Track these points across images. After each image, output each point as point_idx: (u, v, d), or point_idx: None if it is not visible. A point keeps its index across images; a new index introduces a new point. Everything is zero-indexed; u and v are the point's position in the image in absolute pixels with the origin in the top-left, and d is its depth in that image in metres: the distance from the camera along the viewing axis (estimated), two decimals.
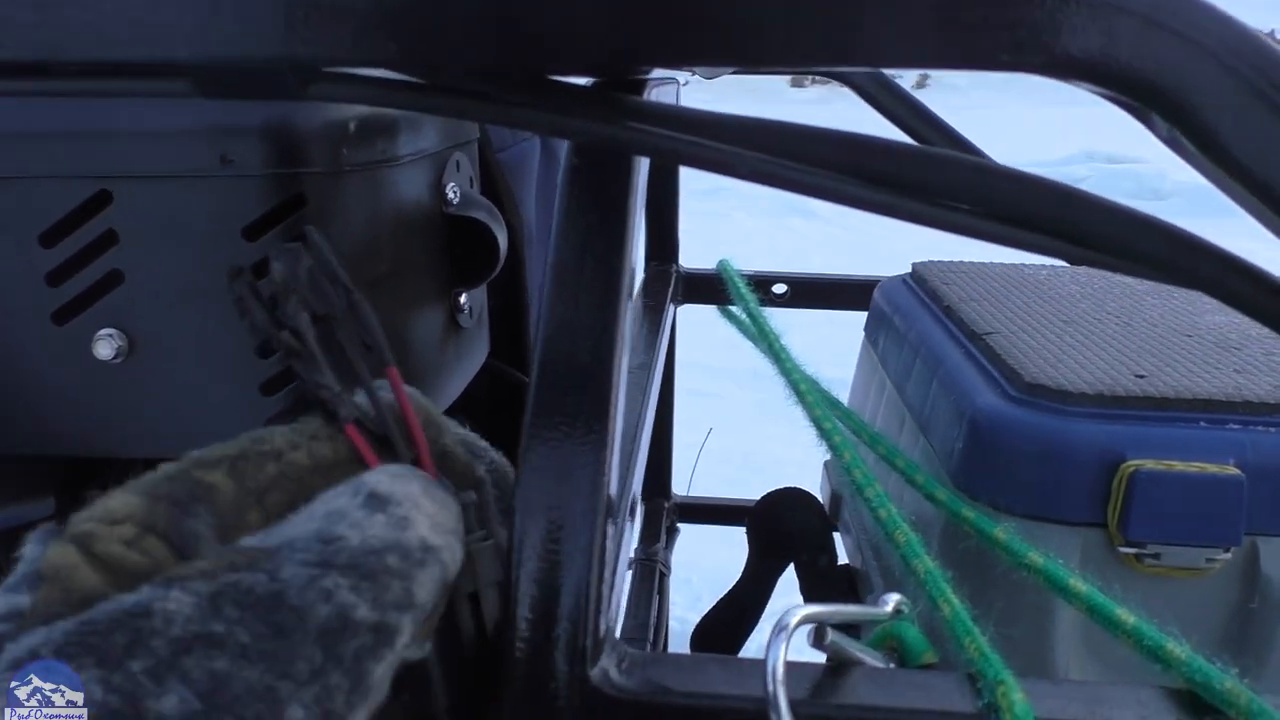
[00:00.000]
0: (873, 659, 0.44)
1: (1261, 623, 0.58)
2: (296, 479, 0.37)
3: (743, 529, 1.08)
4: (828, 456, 0.97)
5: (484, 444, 0.48)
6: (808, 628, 0.41)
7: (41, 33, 0.37)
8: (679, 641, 1.56)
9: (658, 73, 0.62)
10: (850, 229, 5.43)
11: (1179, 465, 0.56)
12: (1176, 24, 0.33)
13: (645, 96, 0.47)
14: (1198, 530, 0.57)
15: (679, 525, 1.38)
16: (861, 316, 1.07)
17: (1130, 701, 0.41)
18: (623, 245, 0.48)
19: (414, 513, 0.34)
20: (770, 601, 1.01)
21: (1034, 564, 0.51)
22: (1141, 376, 0.62)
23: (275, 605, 0.28)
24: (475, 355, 0.84)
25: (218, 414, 0.64)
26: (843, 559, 0.92)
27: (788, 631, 0.40)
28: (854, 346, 1.07)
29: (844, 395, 0.98)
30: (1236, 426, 0.59)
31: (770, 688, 0.39)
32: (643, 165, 0.51)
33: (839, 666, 0.42)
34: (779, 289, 1.25)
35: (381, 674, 0.30)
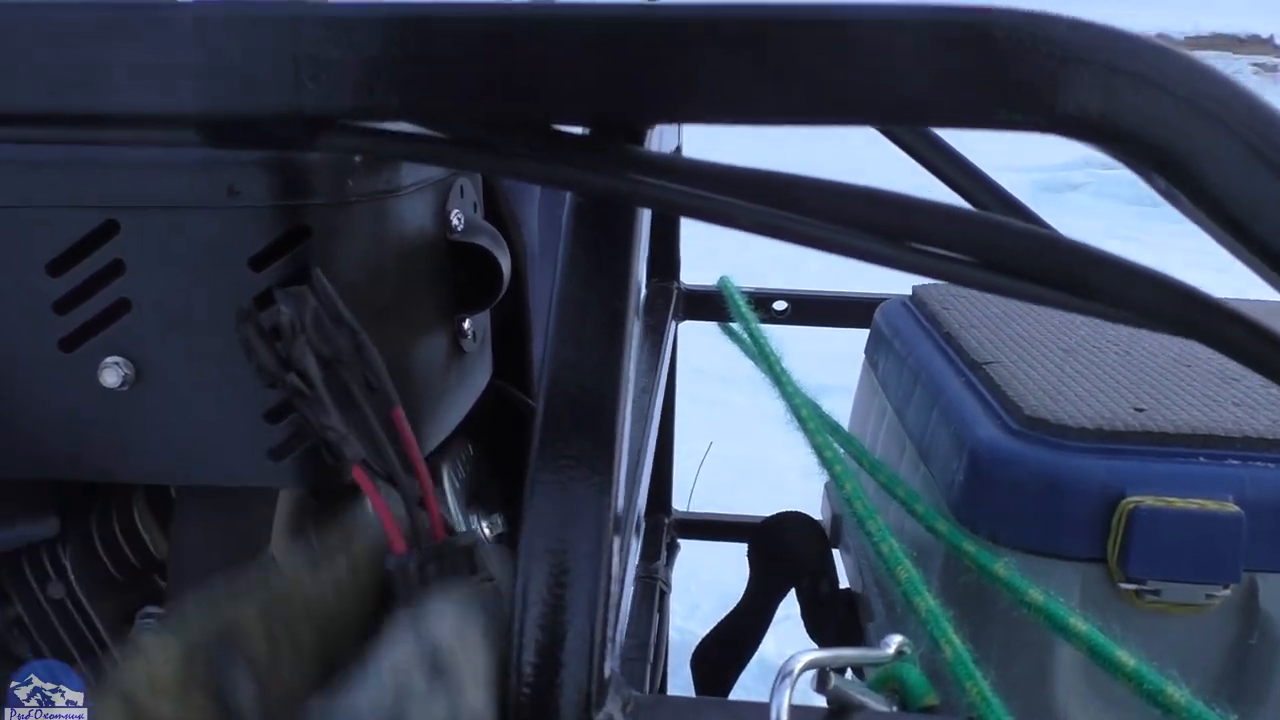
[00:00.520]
0: (875, 701, 0.44)
1: (1260, 659, 0.58)
2: (323, 612, 0.38)
3: (741, 542, 1.08)
4: (828, 478, 0.97)
5: None
6: (811, 672, 0.42)
7: (51, 83, 0.37)
8: (676, 651, 1.57)
9: None
10: None
11: (1178, 502, 0.57)
12: (1175, 85, 0.33)
13: (646, 144, 0.47)
14: (1198, 567, 0.57)
15: (679, 541, 1.38)
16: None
17: None
18: (626, 286, 0.48)
19: (465, 674, 0.35)
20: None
21: (1034, 602, 0.51)
22: (1141, 410, 0.63)
23: None
24: (478, 379, 0.84)
25: (222, 441, 0.64)
26: (843, 581, 0.92)
27: (792, 677, 0.40)
28: (851, 351, 1.08)
29: (839, 404, 0.98)
30: (1236, 462, 0.59)
31: None
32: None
33: (842, 710, 0.43)
34: (780, 306, 1.25)
35: None
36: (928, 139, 0.72)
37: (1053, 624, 0.49)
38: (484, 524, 0.92)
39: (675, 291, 1.25)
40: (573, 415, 0.45)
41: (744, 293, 1.20)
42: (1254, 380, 0.69)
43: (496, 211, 0.95)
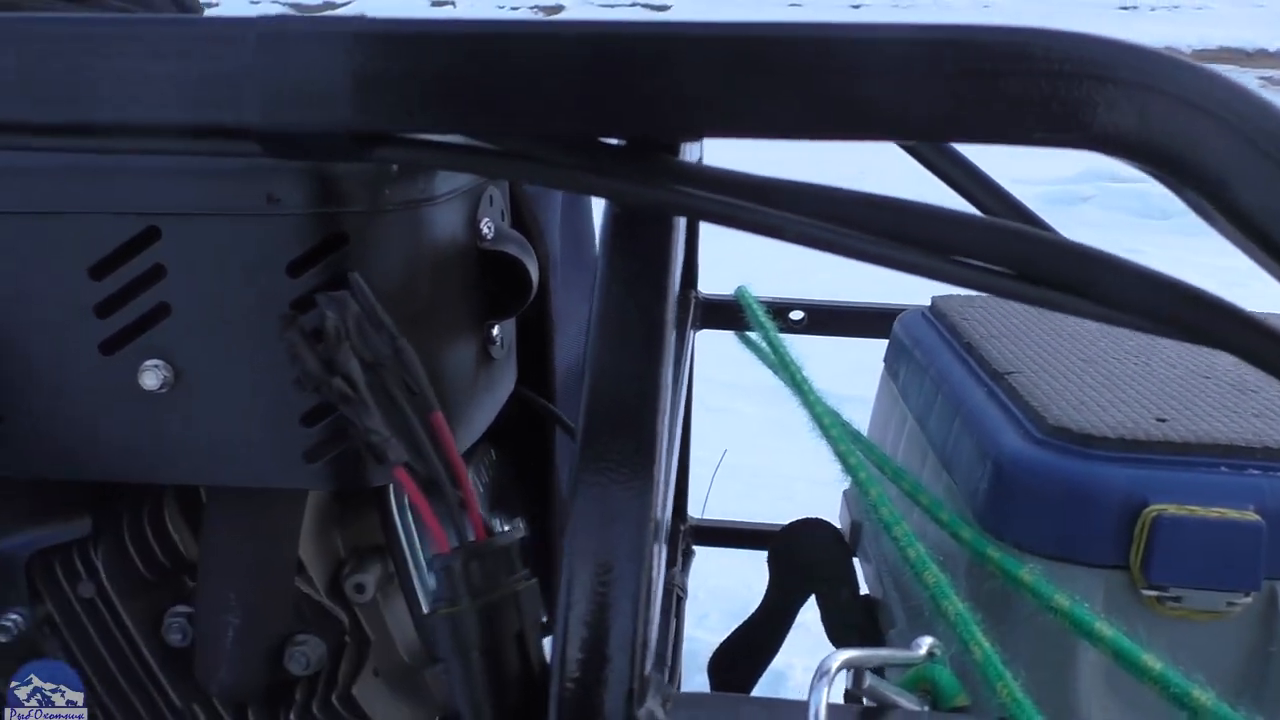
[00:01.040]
0: (907, 701, 0.45)
1: None
2: None
3: (755, 549, 1.09)
4: (846, 485, 0.98)
5: None
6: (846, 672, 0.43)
7: (125, 97, 0.39)
8: (685, 659, 1.58)
9: None
10: None
11: (1200, 510, 0.58)
12: (1206, 103, 0.34)
13: (681, 155, 0.48)
14: (1219, 575, 0.58)
15: (694, 548, 1.39)
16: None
17: None
18: (665, 294, 0.49)
19: None
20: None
21: (1060, 606, 0.52)
22: (1163, 420, 0.64)
23: None
24: (505, 384, 0.86)
25: (259, 444, 0.66)
26: (863, 588, 0.93)
27: (829, 675, 0.41)
28: (865, 361, 1.09)
29: (855, 413, 0.99)
30: (1257, 472, 0.60)
31: None
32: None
33: (876, 709, 0.44)
34: (796, 315, 1.26)
35: None
36: (946, 152, 0.73)
37: (1079, 628, 0.50)
38: (506, 527, 0.93)
39: (693, 300, 1.27)
40: (614, 420, 0.47)
41: (761, 302, 1.21)
42: (1273, 391, 0.70)
43: (521, 219, 0.97)
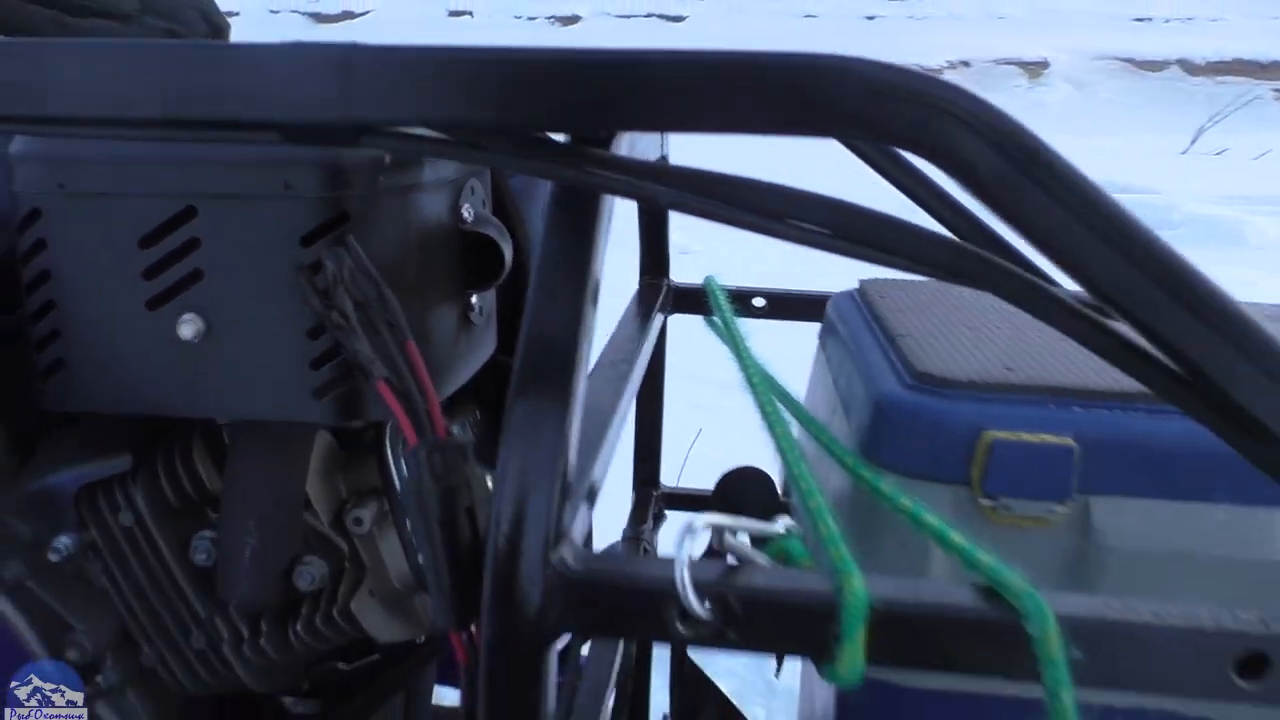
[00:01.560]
0: (763, 561, 0.59)
1: (1094, 564, 0.73)
2: None
3: None
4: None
5: None
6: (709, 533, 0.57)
7: (181, 97, 0.54)
8: None
9: None
10: None
11: (1027, 436, 0.72)
12: (953, 108, 0.49)
13: (614, 149, 0.63)
14: (1038, 487, 0.72)
15: (666, 512, 1.54)
16: None
17: (943, 591, 0.57)
18: (590, 259, 0.64)
19: None
20: None
21: (905, 507, 0.66)
22: (1010, 370, 0.78)
23: None
24: (484, 348, 1.00)
25: (276, 383, 0.80)
26: None
27: (694, 530, 0.56)
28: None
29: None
30: (1078, 409, 0.74)
31: (679, 571, 0.55)
32: (609, 198, 0.67)
33: (734, 564, 0.58)
34: (758, 302, 1.41)
35: None
36: (894, 158, 0.87)
37: (915, 521, 0.64)
38: (490, 477, 1.08)
39: (665, 288, 1.42)
40: (545, 352, 0.61)
41: (726, 290, 1.35)
42: None
43: (504, 209, 1.12)
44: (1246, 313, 0.52)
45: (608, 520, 1.07)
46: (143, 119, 0.54)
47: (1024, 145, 0.49)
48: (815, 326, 1.36)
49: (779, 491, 1.11)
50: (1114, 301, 0.51)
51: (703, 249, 5.05)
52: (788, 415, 0.87)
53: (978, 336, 0.87)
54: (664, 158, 1.18)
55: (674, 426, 1.59)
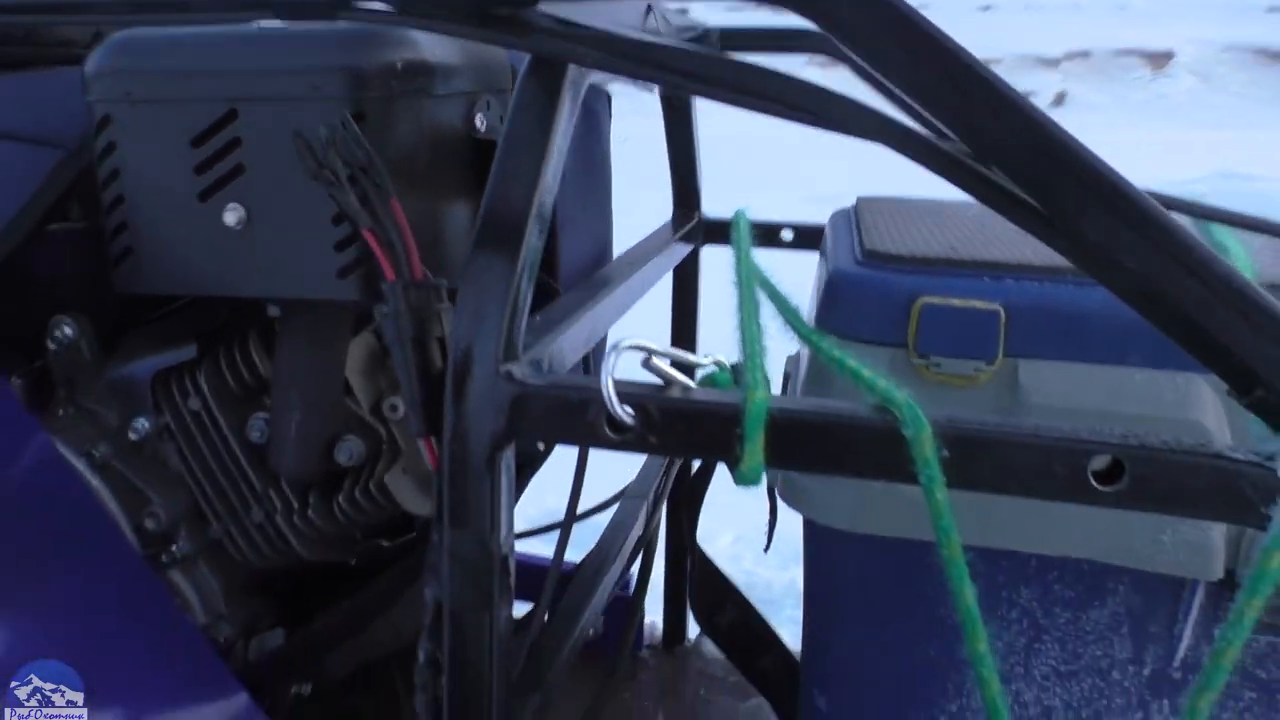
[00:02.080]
0: (684, 380, 0.68)
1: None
2: None
3: None
4: (792, 350, 1.20)
5: None
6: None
7: None
8: None
9: None
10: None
11: (957, 301, 0.80)
12: None
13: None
14: (966, 347, 0.80)
15: None
16: None
17: (837, 405, 0.65)
18: (553, 124, 0.73)
19: None
20: None
21: (823, 348, 0.75)
22: (955, 249, 0.85)
23: None
24: None
25: (306, 265, 0.92)
26: None
27: (619, 349, 0.65)
28: None
29: None
30: (1010, 280, 0.81)
31: (605, 381, 0.64)
32: (570, 70, 0.76)
33: (661, 383, 0.67)
34: (787, 235, 1.50)
35: None
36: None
37: (826, 356, 0.73)
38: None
39: (697, 220, 1.51)
40: (505, 208, 0.71)
41: (757, 223, 1.44)
42: None
43: None
44: (1099, 164, 0.59)
45: None
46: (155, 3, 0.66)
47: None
48: None
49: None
50: (974, 146, 0.59)
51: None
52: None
53: (938, 228, 0.95)
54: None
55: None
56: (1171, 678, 0.86)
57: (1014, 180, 0.61)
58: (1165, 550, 0.81)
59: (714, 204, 1.56)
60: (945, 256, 0.84)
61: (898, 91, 0.60)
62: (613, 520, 1.25)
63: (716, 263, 1.55)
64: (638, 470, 1.44)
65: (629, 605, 1.40)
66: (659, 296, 1.50)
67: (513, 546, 0.71)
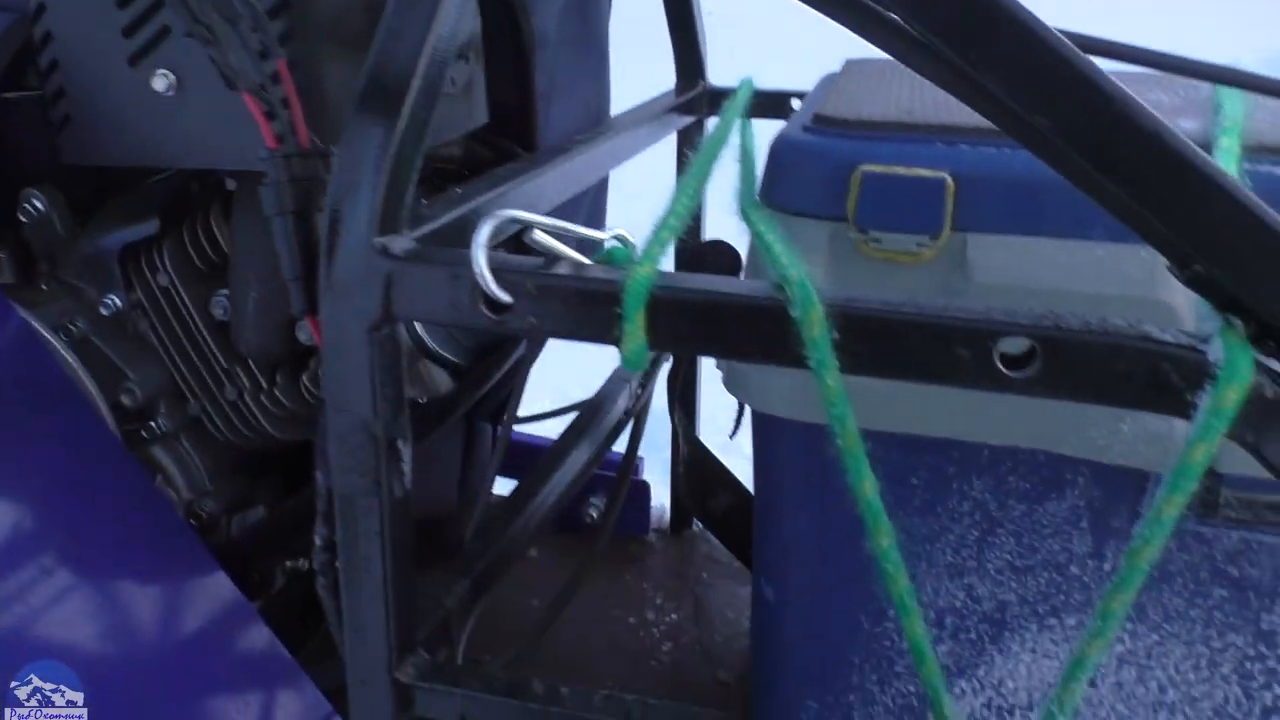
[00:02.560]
0: (571, 256, 0.63)
1: (966, 298, 0.74)
2: None
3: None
4: None
5: None
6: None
7: None
8: None
9: None
10: None
11: (899, 169, 0.73)
12: None
13: None
14: (909, 220, 0.73)
15: None
16: None
17: (727, 283, 0.60)
18: None
19: None
20: None
21: (753, 224, 0.69)
22: (910, 112, 0.78)
23: None
24: (463, 119, 1.06)
25: (236, 134, 0.88)
26: None
27: (495, 219, 0.60)
28: None
29: None
30: (964, 146, 0.74)
31: (476, 256, 0.60)
32: None
33: (545, 259, 0.62)
34: (796, 104, 1.41)
35: None
36: None
37: (758, 239, 0.67)
38: None
39: (701, 89, 1.44)
40: (386, 72, 0.66)
41: (764, 92, 1.36)
42: None
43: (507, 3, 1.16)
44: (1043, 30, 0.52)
45: None
46: None
47: None
48: None
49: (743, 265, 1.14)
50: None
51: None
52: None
53: (910, 94, 0.87)
54: None
55: None
56: None
57: (914, 22, 0.54)
58: (1124, 440, 0.74)
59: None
60: (897, 120, 0.77)
61: None
62: (596, 396, 1.21)
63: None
64: None
65: (614, 485, 1.38)
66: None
67: (405, 432, 0.68)
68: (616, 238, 0.67)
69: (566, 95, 1.28)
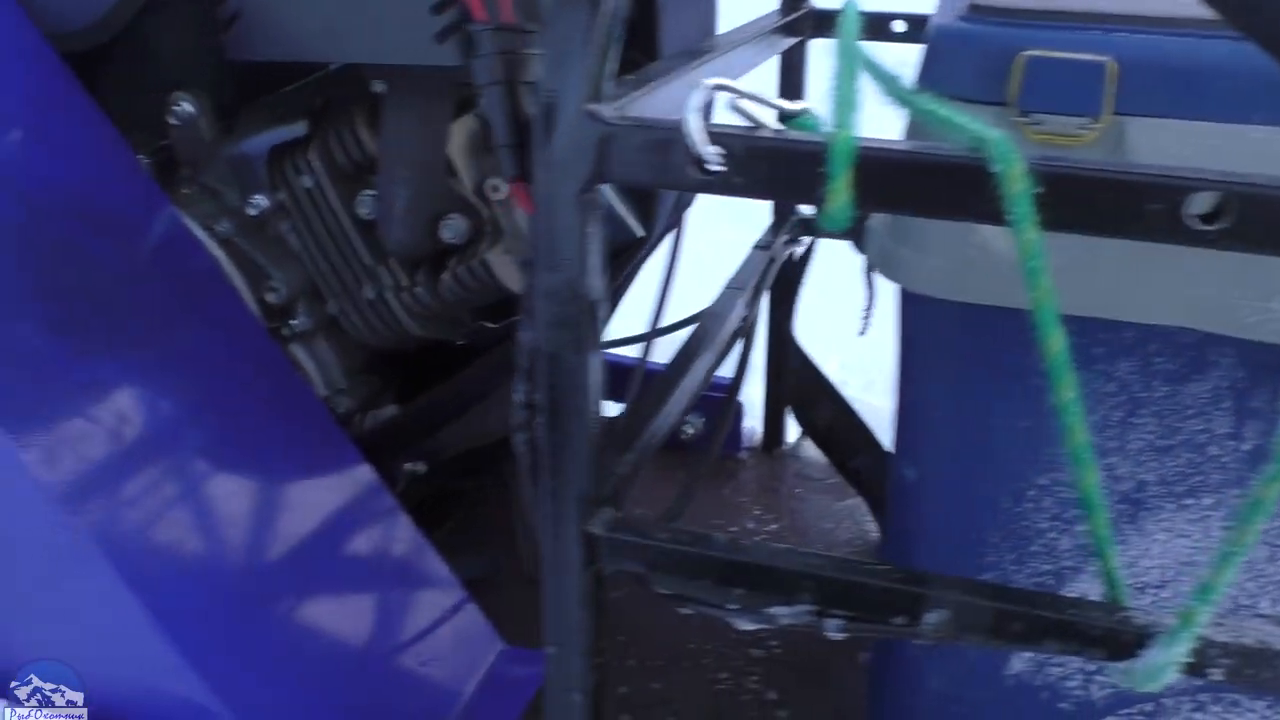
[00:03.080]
0: (771, 123, 0.67)
1: None
2: None
3: None
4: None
5: None
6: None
7: None
8: None
9: None
10: None
11: (1060, 54, 0.76)
12: None
13: None
14: (1071, 103, 0.76)
15: None
16: None
17: (928, 146, 0.64)
18: None
19: None
20: None
21: (920, 104, 0.72)
22: (1061, 2, 0.81)
23: None
24: None
25: (405, 28, 0.92)
26: None
27: (706, 88, 0.64)
28: None
29: None
30: (1124, 33, 0.77)
31: (689, 120, 0.64)
32: None
33: (750, 125, 0.66)
34: (898, 26, 1.44)
35: None
36: None
37: (931, 116, 0.71)
38: None
39: (805, 11, 1.47)
40: None
41: (866, 14, 1.38)
42: None
43: None
44: None
45: None
46: None
47: None
48: None
49: None
50: None
51: None
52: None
53: None
54: None
55: None
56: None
57: None
58: (1275, 319, 0.78)
59: None
60: (1055, 9, 0.80)
61: None
62: (709, 311, 1.25)
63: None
64: None
65: (723, 403, 1.42)
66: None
67: (603, 293, 0.72)
68: (806, 110, 0.70)
69: (683, 6, 1.31)
